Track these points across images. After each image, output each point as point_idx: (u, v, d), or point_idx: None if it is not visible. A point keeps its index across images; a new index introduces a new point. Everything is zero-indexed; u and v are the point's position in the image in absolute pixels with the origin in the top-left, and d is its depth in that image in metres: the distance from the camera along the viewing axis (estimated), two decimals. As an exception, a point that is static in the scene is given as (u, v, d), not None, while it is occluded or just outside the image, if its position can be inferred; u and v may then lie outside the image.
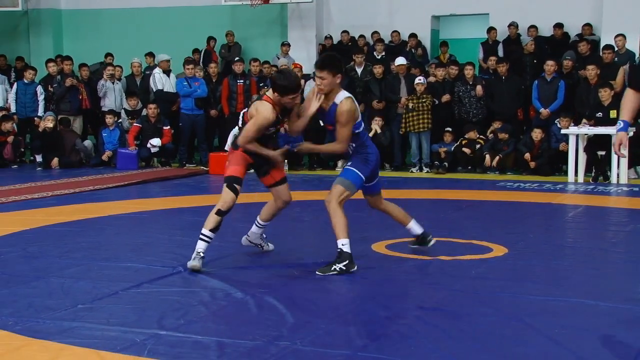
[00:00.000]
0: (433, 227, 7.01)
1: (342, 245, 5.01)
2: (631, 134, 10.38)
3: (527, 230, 6.83)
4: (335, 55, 5.28)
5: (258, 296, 4.46)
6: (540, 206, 8.37)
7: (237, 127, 5.43)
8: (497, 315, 4.07)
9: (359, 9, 14.76)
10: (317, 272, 5.00)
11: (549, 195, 9.12)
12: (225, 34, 14.74)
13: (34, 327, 3.84)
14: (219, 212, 5.13)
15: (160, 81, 12.95)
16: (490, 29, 13.52)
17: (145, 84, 13.47)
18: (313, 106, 5.11)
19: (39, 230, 6.69)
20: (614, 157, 10.14)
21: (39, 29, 16.78)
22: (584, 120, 10.69)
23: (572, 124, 10.74)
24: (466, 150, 11.49)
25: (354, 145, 5.21)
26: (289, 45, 14.16)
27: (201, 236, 5.15)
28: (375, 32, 14.15)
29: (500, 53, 13.09)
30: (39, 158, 12.32)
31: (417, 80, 11.71)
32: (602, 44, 12.32)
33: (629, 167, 10.56)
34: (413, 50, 13.83)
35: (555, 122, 11.18)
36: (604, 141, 10.37)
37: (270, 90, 5.16)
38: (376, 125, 11.93)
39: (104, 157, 12.36)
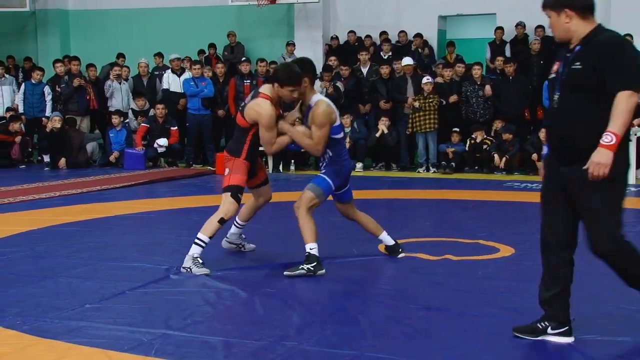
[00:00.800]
0: (439, 227, 7.02)
1: (310, 249, 5.04)
2: (639, 134, 10.38)
3: (534, 230, 6.73)
4: (289, 66, 5.24)
5: (264, 296, 4.46)
6: (548, 206, 8.33)
7: None
8: (504, 316, 4.06)
9: (366, 9, 14.75)
10: (285, 273, 5.00)
11: (556, 196, 9.08)
12: (227, 35, 14.76)
13: (42, 327, 3.86)
14: (221, 221, 5.13)
15: (167, 80, 12.99)
16: (497, 29, 13.49)
17: (152, 84, 13.50)
18: (285, 128, 5.14)
19: (47, 230, 6.71)
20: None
21: (47, 29, 16.84)
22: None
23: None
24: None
25: (330, 154, 5.21)
26: (294, 45, 14.16)
27: (197, 241, 5.12)
28: (384, 32, 14.13)
29: (508, 53, 13.07)
30: (46, 158, 12.36)
31: (424, 80, 11.70)
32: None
33: (637, 167, 10.52)
34: (420, 50, 13.82)
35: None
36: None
37: (266, 87, 5.13)
38: (383, 126, 11.92)
39: (111, 158, 12.39)
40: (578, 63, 3.42)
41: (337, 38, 14.59)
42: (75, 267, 5.26)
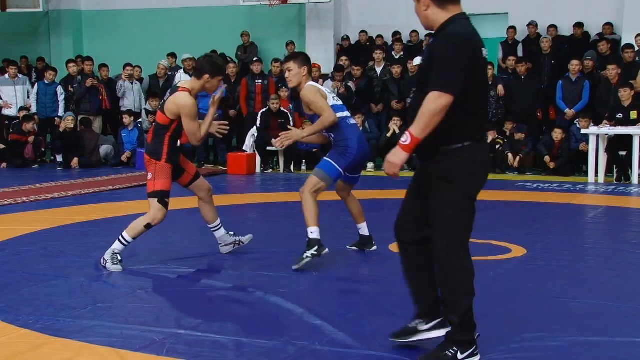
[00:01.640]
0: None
1: (311, 233, 5.14)
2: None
3: (547, 231, 6.78)
4: (303, 53, 5.51)
5: (276, 296, 4.46)
6: (560, 207, 8.30)
7: (255, 127, 5.47)
8: (516, 317, 4.05)
9: (377, 9, 14.74)
10: (293, 268, 5.09)
11: (569, 196, 9.05)
12: (240, 35, 14.78)
13: (55, 326, 3.88)
14: (147, 226, 5.19)
15: (179, 80, 13.01)
16: (510, 29, 13.44)
17: (168, 86, 13.52)
18: (210, 111, 5.27)
19: (59, 229, 6.74)
20: (635, 158, 10.04)
21: (60, 29, 16.93)
22: (605, 121, 10.60)
23: (592, 124, 10.66)
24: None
25: (332, 136, 5.31)
26: (294, 44, 14.15)
27: (121, 239, 5.20)
28: (397, 32, 14.11)
29: (520, 53, 13.01)
30: (59, 158, 12.42)
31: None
32: (622, 44, 12.21)
33: None
34: (431, 50, 13.77)
35: (575, 122, 11.10)
36: (625, 141, 10.27)
37: (185, 82, 5.25)
38: (394, 126, 11.91)
39: (123, 158, 12.44)
40: (424, 58, 3.27)
41: (348, 38, 14.58)
42: (87, 266, 5.28)
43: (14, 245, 5.96)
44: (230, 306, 4.32)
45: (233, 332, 3.81)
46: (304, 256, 5.09)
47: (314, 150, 11.42)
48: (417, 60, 12.19)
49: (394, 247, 5.85)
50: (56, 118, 13.06)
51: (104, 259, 5.19)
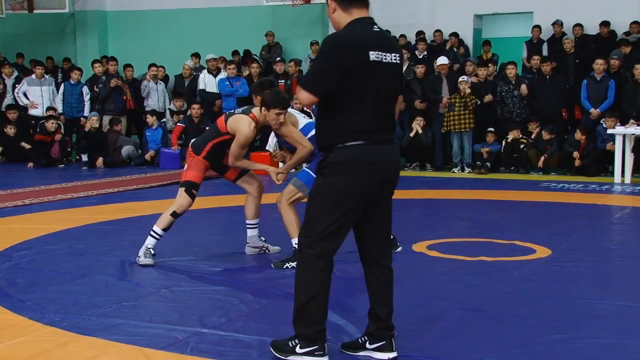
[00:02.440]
0: (475, 227, 6.97)
1: (296, 244, 5.08)
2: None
3: (572, 231, 6.72)
4: (278, 91, 5.34)
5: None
6: (586, 207, 8.22)
7: None
8: (541, 318, 4.01)
9: (401, 9, 14.68)
10: (272, 264, 5.21)
11: (595, 196, 8.96)
12: (265, 34, 14.82)
13: (80, 324, 3.92)
14: (174, 214, 5.32)
15: (203, 81, 13.09)
16: (534, 27, 13.32)
17: (193, 86, 13.59)
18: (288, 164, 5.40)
19: (84, 228, 6.81)
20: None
21: (85, 30, 17.11)
22: (632, 121, 10.47)
23: (619, 124, 10.54)
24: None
25: (316, 149, 5.27)
26: (318, 44, 14.15)
27: (152, 233, 5.34)
28: (421, 32, 14.06)
29: (545, 52, 12.90)
30: (84, 157, 12.54)
31: (460, 79, 11.60)
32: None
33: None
34: (455, 49, 13.72)
35: (601, 122, 10.98)
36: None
37: (258, 109, 5.21)
38: (417, 125, 11.86)
39: (147, 157, 12.54)
40: None
41: (371, 38, 14.55)
42: (112, 264, 5.33)
43: (40, 244, 6.03)
44: (254, 305, 4.34)
45: (256, 331, 3.82)
46: (286, 265, 5.17)
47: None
48: (441, 60, 12.14)
49: (417, 247, 5.85)
50: (81, 118, 13.18)
51: (138, 256, 5.30)
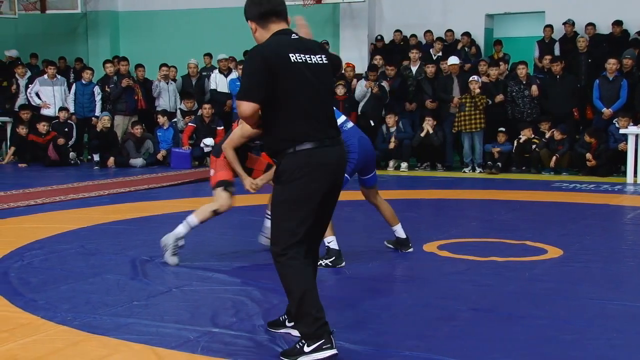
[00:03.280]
0: (486, 227, 6.95)
1: (329, 242, 5.19)
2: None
3: (583, 232, 6.69)
4: None
5: (309, 295, 4.46)
6: (598, 207, 8.18)
7: None
8: (552, 319, 4.00)
9: (412, 8, 14.67)
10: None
11: (607, 197, 8.91)
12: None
13: (92, 323, 3.94)
14: (215, 212, 5.32)
15: (214, 80, 13.12)
16: (547, 27, 13.27)
17: (201, 85, 13.63)
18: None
19: (96, 227, 6.84)
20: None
21: (97, 30, 17.18)
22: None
23: (632, 124, 10.48)
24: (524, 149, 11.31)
25: None
26: (328, 44, 14.13)
27: (186, 223, 5.30)
28: (428, 32, 14.05)
29: (557, 51, 12.84)
30: (96, 157, 12.59)
31: (470, 79, 11.57)
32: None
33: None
34: (466, 49, 13.69)
35: (614, 121, 10.92)
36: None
37: None
38: (428, 125, 11.85)
39: (159, 157, 12.58)
40: None
41: (382, 39, 14.54)
42: (123, 264, 5.35)
43: (52, 243, 6.06)
44: (265, 305, 4.34)
45: (267, 331, 3.82)
46: (319, 262, 5.11)
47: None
48: (452, 60, 12.11)
49: (428, 247, 5.84)
50: (93, 118, 13.24)
51: (165, 244, 5.28)
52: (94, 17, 17.21)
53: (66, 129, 13.03)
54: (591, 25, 12.84)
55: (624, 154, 10.53)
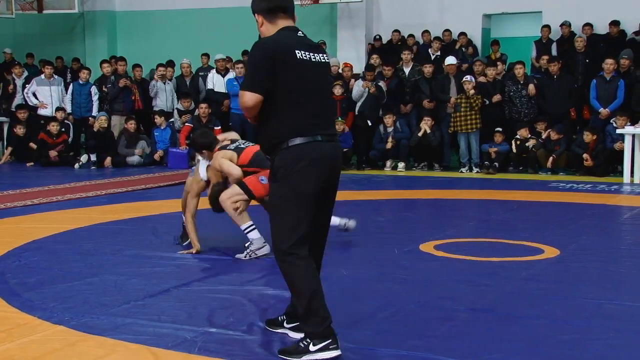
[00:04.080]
0: (483, 227, 6.96)
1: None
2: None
3: (580, 231, 6.70)
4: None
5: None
6: (595, 207, 8.19)
7: None
8: (550, 318, 4.00)
9: (410, 8, 14.68)
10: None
11: (604, 196, 8.92)
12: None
13: (89, 323, 3.93)
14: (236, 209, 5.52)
15: (212, 80, 13.10)
16: (544, 27, 13.27)
17: (195, 84, 13.62)
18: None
19: (93, 227, 6.84)
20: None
21: (95, 30, 17.16)
22: (642, 120, 10.43)
23: (629, 124, 10.49)
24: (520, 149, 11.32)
25: None
26: (325, 44, 14.13)
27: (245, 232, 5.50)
28: (426, 32, 14.06)
29: (555, 52, 12.85)
30: (93, 157, 12.57)
31: (464, 79, 11.57)
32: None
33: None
34: (464, 48, 13.69)
35: (611, 121, 10.93)
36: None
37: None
38: (425, 125, 11.84)
39: (156, 157, 12.56)
40: None
41: (380, 39, 14.54)
42: (121, 264, 5.35)
43: (49, 243, 6.05)
44: (262, 305, 4.34)
45: (264, 331, 3.82)
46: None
47: (345, 149, 11.40)
48: (449, 60, 12.11)
49: (424, 247, 5.84)
50: (90, 118, 13.22)
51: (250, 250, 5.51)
52: (91, 17, 17.19)
53: (63, 129, 13.01)
54: (588, 25, 12.85)
55: (620, 153, 10.54)
